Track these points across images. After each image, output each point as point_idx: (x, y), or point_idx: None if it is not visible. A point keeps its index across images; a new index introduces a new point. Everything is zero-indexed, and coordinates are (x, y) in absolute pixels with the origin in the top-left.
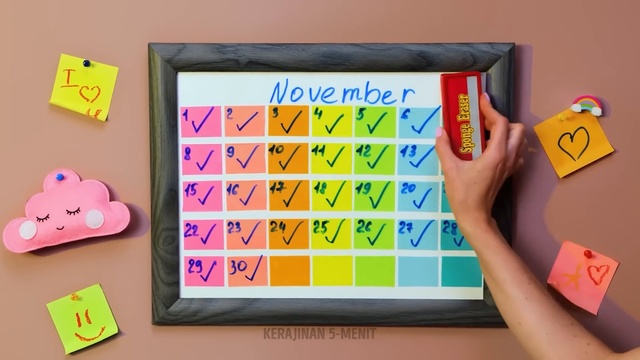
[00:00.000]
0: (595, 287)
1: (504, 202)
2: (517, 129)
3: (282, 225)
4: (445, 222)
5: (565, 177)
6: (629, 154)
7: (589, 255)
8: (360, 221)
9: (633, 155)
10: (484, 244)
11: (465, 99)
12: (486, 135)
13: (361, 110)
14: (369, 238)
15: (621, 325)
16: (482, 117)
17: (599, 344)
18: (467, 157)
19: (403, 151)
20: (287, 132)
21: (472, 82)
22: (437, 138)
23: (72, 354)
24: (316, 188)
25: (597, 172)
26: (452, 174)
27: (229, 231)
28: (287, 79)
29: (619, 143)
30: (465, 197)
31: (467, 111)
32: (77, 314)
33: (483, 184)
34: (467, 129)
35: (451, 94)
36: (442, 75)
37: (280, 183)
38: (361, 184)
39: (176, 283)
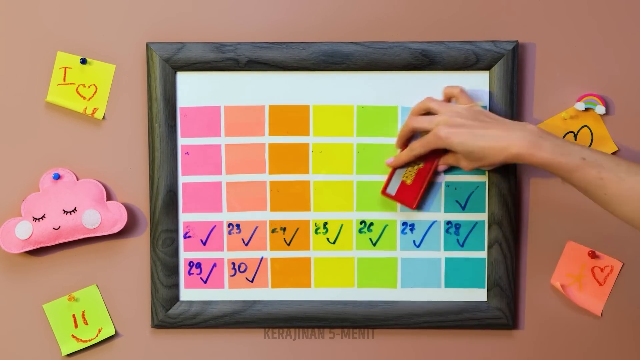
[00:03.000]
0: (599, 288)
1: (507, 202)
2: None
3: (283, 227)
4: (448, 222)
5: None
6: (633, 152)
7: (592, 255)
8: (362, 222)
9: (637, 153)
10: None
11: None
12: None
13: (362, 109)
14: (370, 239)
15: (625, 326)
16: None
17: None
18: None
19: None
20: (287, 132)
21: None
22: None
23: (68, 355)
24: (317, 188)
25: None
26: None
27: (229, 233)
28: (287, 79)
29: (623, 142)
30: (502, 151)
31: (410, 170)
32: (73, 315)
33: (476, 148)
34: (406, 174)
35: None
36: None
37: (281, 183)
38: (363, 185)
39: (176, 285)
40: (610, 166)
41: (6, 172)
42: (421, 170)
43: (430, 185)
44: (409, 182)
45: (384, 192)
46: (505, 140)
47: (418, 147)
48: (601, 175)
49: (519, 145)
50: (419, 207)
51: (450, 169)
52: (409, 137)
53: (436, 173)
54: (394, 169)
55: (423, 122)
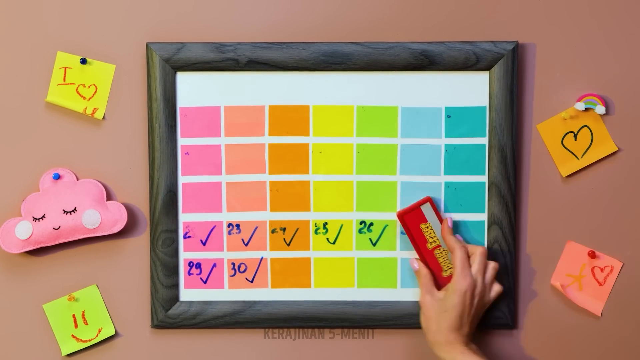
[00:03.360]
0: (599, 288)
1: (507, 202)
2: (477, 254)
3: (283, 227)
4: None
5: (569, 176)
6: (633, 152)
7: (592, 255)
8: (362, 222)
9: (637, 154)
10: None
11: (427, 226)
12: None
13: (362, 109)
14: (370, 239)
15: (625, 327)
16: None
17: None
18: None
19: (405, 151)
20: (287, 132)
21: (427, 209)
22: (416, 272)
23: (68, 355)
24: (317, 188)
25: (601, 171)
26: (426, 306)
27: (229, 233)
28: (287, 79)
29: (623, 142)
30: (438, 327)
31: (434, 237)
32: (73, 315)
33: (453, 311)
34: (441, 252)
35: (412, 227)
36: (397, 214)
37: (281, 184)
38: (362, 185)
39: (175, 286)
40: None
41: (6, 172)
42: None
43: (429, 185)
44: (445, 274)
45: (442, 280)
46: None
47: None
48: None
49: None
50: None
51: (449, 171)
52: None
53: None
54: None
55: (458, 261)
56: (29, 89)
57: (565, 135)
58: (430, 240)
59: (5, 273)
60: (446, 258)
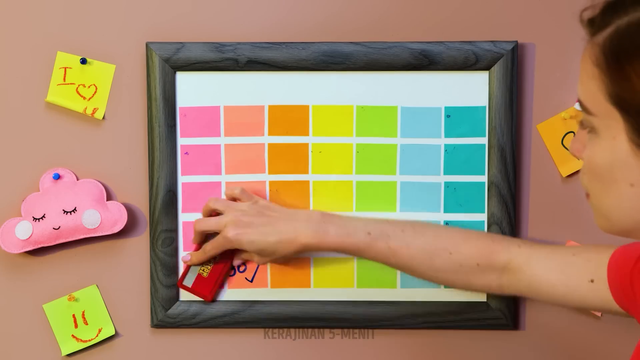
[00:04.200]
0: None
1: (507, 202)
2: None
3: None
4: (447, 222)
5: (569, 176)
6: None
7: None
8: None
9: None
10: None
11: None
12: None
13: (362, 109)
14: None
15: (625, 327)
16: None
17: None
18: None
19: (404, 151)
20: (287, 132)
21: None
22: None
23: (68, 355)
24: (317, 188)
25: None
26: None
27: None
28: (287, 79)
29: None
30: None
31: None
32: (73, 315)
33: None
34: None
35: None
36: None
37: (281, 184)
38: (362, 185)
39: (175, 285)
40: (396, 234)
41: (6, 172)
42: (217, 265)
43: (429, 185)
44: (205, 274)
45: (180, 284)
46: (292, 233)
47: (210, 249)
48: (389, 245)
49: (305, 235)
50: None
51: (449, 171)
52: (203, 238)
53: (232, 267)
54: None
55: (210, 225)
56: (29, 89)
57: (565, 135)
58: (204, 268)
59: (5, 273)
60: (205, 267)
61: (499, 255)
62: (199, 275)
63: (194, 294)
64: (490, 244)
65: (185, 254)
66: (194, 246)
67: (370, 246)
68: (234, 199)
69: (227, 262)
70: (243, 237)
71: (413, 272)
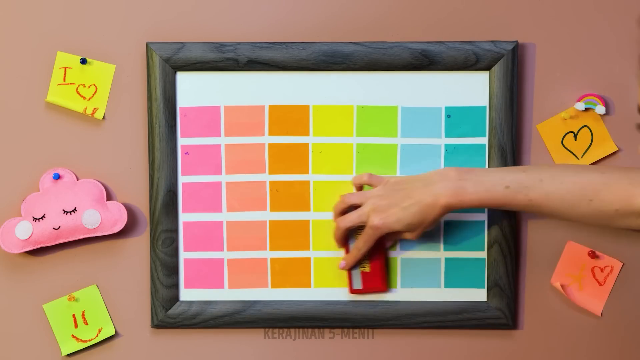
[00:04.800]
0: (599, 288)
1: None
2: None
3: (283, 226)
4: (448, 223)
5: None
6: (633, 152)
7: (592, 255)
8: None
9: (637, 154)
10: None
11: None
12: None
13: (362, 109)
14: None
15: (625, 326)
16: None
17: None
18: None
19: (404, 151)
20: (287, 132)
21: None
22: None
23: (68, 355)
24: (317, 188)
25: None
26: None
27: (229, 233)
28: (287, 78)
29: (623, 142)
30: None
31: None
32: (73, 315)
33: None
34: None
35: None
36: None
37: (281, 184)
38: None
39: (175, 285)
40: (535, 185)
41: (6, 172)
42: (374, 256)
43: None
44: (368, 269)
45: (352, 290)
46: (432, 197)
47: (363, 245)
48: (529, 197)
49: (444, 196)
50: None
51: None
52: (346, 236)
53: (387, 249)
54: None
55: (353, 220)
56: (29, 89)
57: (565, 135)
58: (363, 264)
59: (5, 273)
60: (364, 263)
61: (637, 199)
62: (363, 273)
63: (370, 292)
64: (629, 188)
65: (340, 262)
66: (197, 246)
67: (509, 200)
68: (361, 188)
69: (380, 248)
70: (388, 219)
71: (554, 218)
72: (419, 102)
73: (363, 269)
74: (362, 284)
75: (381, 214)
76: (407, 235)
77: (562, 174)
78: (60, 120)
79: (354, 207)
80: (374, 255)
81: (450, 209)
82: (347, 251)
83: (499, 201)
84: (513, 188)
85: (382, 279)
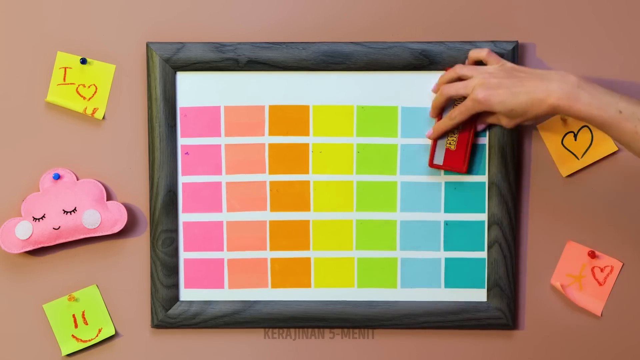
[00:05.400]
0: (599, 288)
1: (507, 202)
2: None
3: (283, 227)
4: (448, 222)
5: (569, 176)
6: None
7: (592, 255)
8: (361, 222)
9: None
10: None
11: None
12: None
13: (362, 109)
14: (371, 239)
15: (625, 327)
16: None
17: None
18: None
19: (404, 151)
20: (287, 132)
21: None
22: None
23: (68, 355)
24: (317, 188)
25: (601, 172)
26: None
27: (229, 233)
28: (287, 78)
29: None
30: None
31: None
32: (73, 315)
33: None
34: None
35: None
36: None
37: (281, 184)
38: (362, 185)
39: (175, 285)
40: None
41: (6, 172)
42: (462, 134)
43: (429, 185)
44: (453, 147)
45: (431, 164)
46: (544, 92)
47: (458, 114)
48: (637, 129)
49: (557, 96)
50: (468, 170)
51: (449, 171)
52: (444, 106)
53: (476, 133)
54: (436, 140)
55: (458, 89)
56: (29, 89)
57: (565, 135)
58: (450, 140)
59: (5, 273)
60: (451, 140)
61: None
62: (447, 150)
63: (448, 169)
64: None
65: (428, 130)
66: (197, 246)
67: (617, 124)
68: (476, 63)
69: (470, 128)
70: (493, 97)
71: None
72: (419, 102)
73: (449, 145)
74: (443, 160)
75: (488, 90)
76: (503, 121)
77: None
78: (60, 120)
79: (460, 80)
80: (463, 134)
81: (557, 111)
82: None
83: (606, 121)
84: (625, 114)
85: (465, 159)
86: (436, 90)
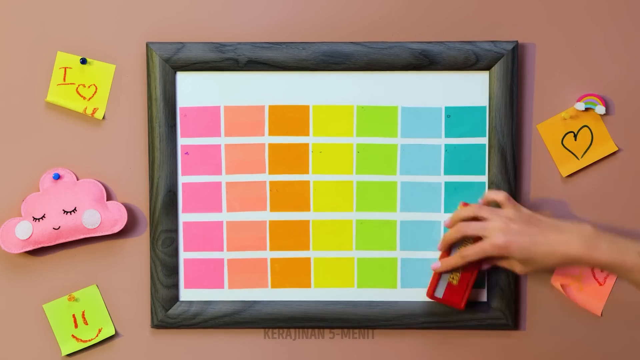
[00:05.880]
0: (599, 288)
1: None
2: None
3: (283, 227)
4: None
5: (569, 176)
6: (633, 152)
7: None
8: (361, 222)
9: (637, 154)
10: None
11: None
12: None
13: (362, 109)
14: (370, 239)
15: (625, 327)
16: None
17: None
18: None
19: (404, 151)
20: (287, 132)
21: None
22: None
23: (68, 355)
24: (317, 188)
25: (601, 171)
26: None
27: (229, 233)
28: (287, 79)
29: (623, 142)
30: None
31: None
32: (73, 315)
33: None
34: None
35: None
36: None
37: (281, 184)
38: (362, 185)
39: (175, 285)
40: None
41: (6, 172)
42: (466, 272)
43: (429, 185)
44: (455, 282)
45: (431, 295)
46: (563, 244)
47: (472, 255)
48: None
49: (577, 248)
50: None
51: (449, 171)
52: (454, 242)
53: (480, 270)
54: (440, 273)
55: (477, 229)
56: (29, 89)
57: (565, 135)
58: (454, 275)
59: (5, 273)
60: (454, 275)
61: None
62: (449, 284)
63: (445, 303)
64: None
65: (435, 262)
66: (197, 246)
67: (639, 267)
68: (488, 204)
69: (475, 268)
70: (514, 244)
71: None
72: (418, 102)
73: (452, 280)
74: (444, 294)
75: (509, 235)
76: (517, 267)
77: None
78: (60, 120)
79: (474, 220)
80: (467, 272)
81: (576, 262)
82: (446, 255)
83: (628, 265)
84: None
85: (464, 297)
86: (450, 225)
